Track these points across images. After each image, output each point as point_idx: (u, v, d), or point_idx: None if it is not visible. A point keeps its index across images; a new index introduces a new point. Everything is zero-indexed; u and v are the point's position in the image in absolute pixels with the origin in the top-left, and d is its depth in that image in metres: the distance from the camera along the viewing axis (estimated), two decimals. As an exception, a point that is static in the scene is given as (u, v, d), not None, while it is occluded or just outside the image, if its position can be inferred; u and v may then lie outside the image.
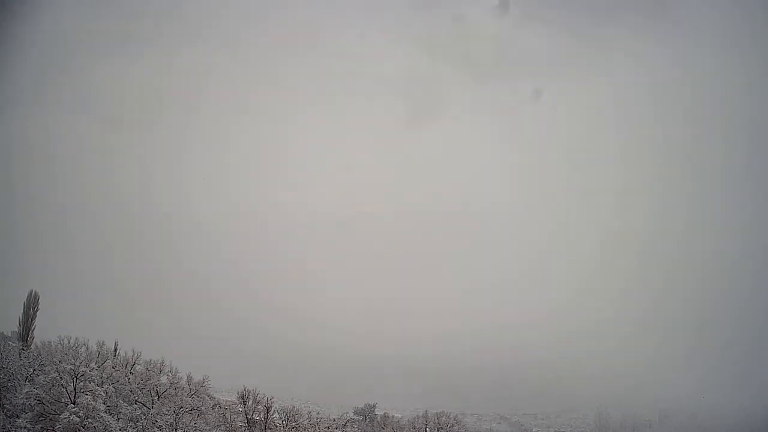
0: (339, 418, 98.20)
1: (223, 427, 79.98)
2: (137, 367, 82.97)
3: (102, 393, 67.89)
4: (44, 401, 66.59)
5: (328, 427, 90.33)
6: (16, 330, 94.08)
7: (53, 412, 65.55)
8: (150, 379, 78.95)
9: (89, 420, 63.23)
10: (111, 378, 75.60)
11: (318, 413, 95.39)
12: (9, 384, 71.34)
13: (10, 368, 72.68)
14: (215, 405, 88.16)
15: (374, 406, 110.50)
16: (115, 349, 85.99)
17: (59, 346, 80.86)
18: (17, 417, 66.20)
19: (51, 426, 64.68)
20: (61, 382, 66.51)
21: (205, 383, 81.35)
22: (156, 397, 76.83)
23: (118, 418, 68.53)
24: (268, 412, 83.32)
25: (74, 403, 64.81)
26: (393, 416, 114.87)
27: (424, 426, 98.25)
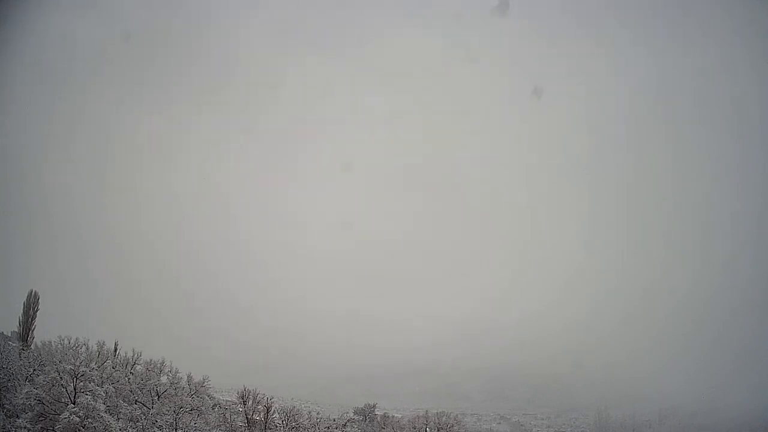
0: (339, 418, 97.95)
1: (223, 427, 79.81)
2: (137, 367, 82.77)
3: (102, 393, 67.71)
4: (44, 401, 66.40)
5: (328, 427, 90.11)
6: (16, 330, 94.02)
7: (53, 412, 65.35)
8: (150, 379, 78.83)
9: (89, 420, 63.06)
10: (111, 378, 75.40)
11: (318, 413, 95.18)
12: (9, 384, 71.12)
13: (10, 368, 72.46)
14: (215, 405, 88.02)
15: (374, 406, 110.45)
16: (115, 349, 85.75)
17: (59, 346, 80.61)
18: (17, 417, 65.99)
19: (51, 426, 64.47)
20: (61, 382, 66.31)
21: (205, 383, 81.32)
22: (156, 397, 76.71)
23: (118, 418, 68.39)
24: (268, 412, 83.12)
25: (74, 403, 64.60)
26: (393, 416, 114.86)
27: (424, 426, 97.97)
